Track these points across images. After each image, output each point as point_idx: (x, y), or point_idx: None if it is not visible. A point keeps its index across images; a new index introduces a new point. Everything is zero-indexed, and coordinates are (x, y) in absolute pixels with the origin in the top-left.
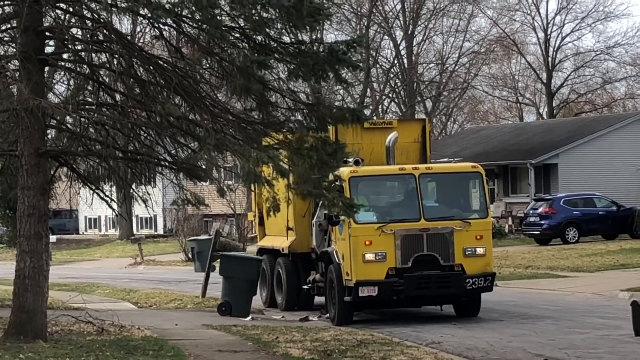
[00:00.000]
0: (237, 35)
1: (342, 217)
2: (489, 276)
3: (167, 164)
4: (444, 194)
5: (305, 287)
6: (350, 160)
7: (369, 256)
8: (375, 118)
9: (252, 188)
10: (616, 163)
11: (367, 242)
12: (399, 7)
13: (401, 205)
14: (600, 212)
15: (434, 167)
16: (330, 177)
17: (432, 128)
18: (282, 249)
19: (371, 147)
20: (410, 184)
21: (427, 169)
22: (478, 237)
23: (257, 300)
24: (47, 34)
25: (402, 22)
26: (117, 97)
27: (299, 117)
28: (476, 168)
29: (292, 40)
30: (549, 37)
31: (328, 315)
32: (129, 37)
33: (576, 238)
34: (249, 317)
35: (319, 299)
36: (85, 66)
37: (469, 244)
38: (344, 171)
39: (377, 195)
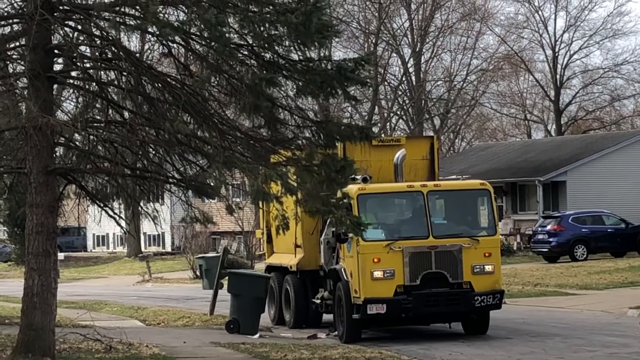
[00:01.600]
0: (246, 52)
1: (350, 235)
2: (497, 294)
3: (175, 181)
4: (453, 212)
5: (314, 304)
6: (358, 177)
7: (377, 274)
8: (383, 135)
9: (260, 206)
10: (625, 180)
11: (376, 260)
12: (407, 24)
13: (409, 222)
14: (608, 230)
15: (442, 185)
16: (339, 194)
17: (440, 145)
18: (290, 267)
19: (379, 165)
20: (418, 202)
21: (435, 186)
22: (487, 254)
23: (265, 318)
24: (55, 51)
25: (410, 39)
26: (126, 114)
27: (307, 135)
28: (484, 185)
29: (301, 57)
30: (557, 54)
31: (336, 332)
32: (137, 55)
33: (585, 255)
34: (257, 335)
35: (327, 317)
36: (94, 84)
37: (477, 261)
38: (352, 189)
39: (385, 213)
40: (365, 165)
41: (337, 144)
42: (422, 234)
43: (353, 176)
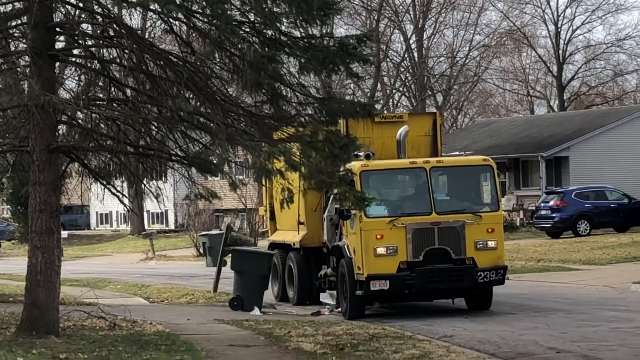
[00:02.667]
0: (248, 29)
1: (353, 212)
2: (500, 269)
3: (178, 158)
4: (455, 188)
5: (317, 281)
6: (361, 154)
7: (381, 250)
8: (385, 112)
9: (263, 183)
10: (627, 156)
11: (379, 236)
12: (409, 0)
13: (412, 199)
14: (611, 205)
15: (445, 161)
16: (342, 170)
17: (442, 121)
18: (294, 244)
19: (382, 141)
20: (421, 178)
21: (438, 163)
22: (489, 230)
23: (269, 295)
24: (57, 29)
25: (412, 15)
26: (128, 92)
27: (310, 111)
28: (487, 161)
29: (303, 34)
30: (559, 29)
31: (340, 309)
32: (139, 32)
33: (588, 231)
34: (261, 312)
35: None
36: (96, 62)
37: (480, 237)
38: (355, 165)
39: (388, 189)
40: (368, 141)
41: (339, 120)
42: (425, 210)
43: (356, 153)
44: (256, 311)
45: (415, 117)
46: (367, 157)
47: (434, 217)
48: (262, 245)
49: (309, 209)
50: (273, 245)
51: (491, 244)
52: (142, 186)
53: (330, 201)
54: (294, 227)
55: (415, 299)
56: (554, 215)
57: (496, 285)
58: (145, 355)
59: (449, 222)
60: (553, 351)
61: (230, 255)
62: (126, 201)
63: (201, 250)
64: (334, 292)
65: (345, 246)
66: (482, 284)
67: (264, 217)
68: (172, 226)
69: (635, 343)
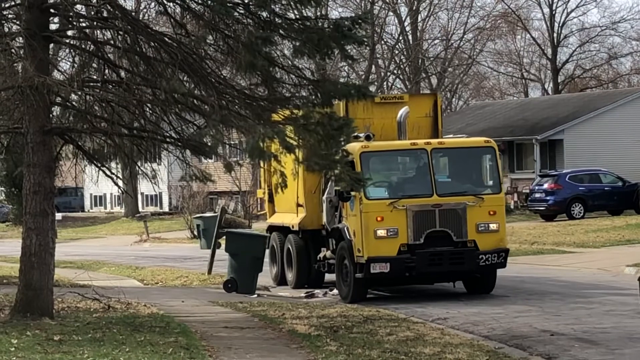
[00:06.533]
0: (242, 11)
1: (353, 193)
2: (502, 252)
3: (172, 140)
4: (457, 169)
5: (316, 264)
6: (361, 135)
7: (381, 232)
8: (380, 94)
9: (262, 165)
10: (622, 138)
11: (379, 218)
12: None
13: (413, 180)
14: (605, 188)
15: (446, 142)
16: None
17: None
18: (292, 226)
19: (382, 122)
20: (422, 159)
21: (439, 144)
22: (491, 212)
23: (264, 277)
24: (51, 10)
25: None
26: (122, 74)
27: (304, 93)
28: (489, 142)
29: (297, 16)
30: (554, 12)
31: (335, 291)
32: (133, 14)
33: (582, 214)
34: (255, 294)
35: (329, 276)
36: (90, 43)
37: (482, 219)
38: (355, 146)
39: (388, 171)
40: (368, 123)
41: (339, 102)
42: (426, 192)
43: (356, 134)
44: (250, 293)
45: (416, 98)
46: (368, 138)
47: (435, 199)
48: (257, 227)
49: (307, 191)
50: (271, 228)
51: (493, 226)
52: (137, 168)
53: (329, 183)
54: (292, 209)
55: (415, 282)
56: (548, 198)
57: (498, 268)
58: (139, 337)
59: (450, 204)
60: (547, 334)
61: (224, 237)
62: (120, 183)
63: (195, 233)
64: None
65: (345, 228)
66: (483, 267)
67: (261, 200)
68: (166, 208)
69: (629, 325)
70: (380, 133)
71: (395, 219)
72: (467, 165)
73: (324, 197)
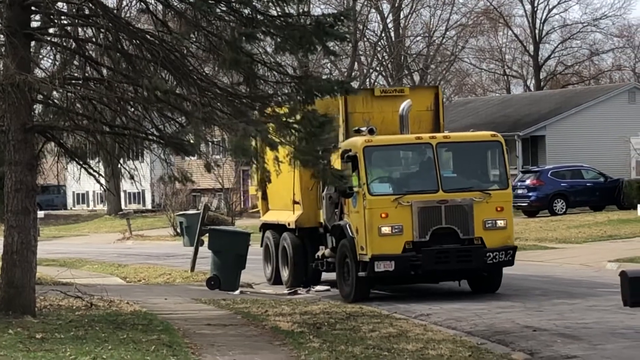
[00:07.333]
0: (224, 8)
1: (356, 189)
2: (510, 250)
3: (154, 138)
4: (463, 164)
5: (314, 263)
6: (364, 129)
7: (385, 229)
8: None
9: (254, 161)
10: (603, 134)
11: (383, 215)
12: None
13: (418, 176)
14: (587, 184)
15: (451, 136)
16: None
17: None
18: (288, 224)
19: (382, 116)
20: (427, 154)
21: (444, 138)
22: (498, 209)
23: (261, 277)
24: (33, 8)
25: None
26: (104, 71)
27: (287, 91)
28: (495, 137)
29: (279, 13)
30: (535, 8)
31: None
32: (115, 11)
33: (564, 210)
34: (238, 291)
35: (326, 276)
36: (72, 41)
37: (489, 216)
38: (358, 141)
39: (392, 166)
40: (368, 117)
41: (339, 97)
42: (431, 188)
43: (357, 128)
44: (233, 291)
45: (417, 91)
46: (371, 132)
47: (441, 195)
48: (240, 224)
49: (304, 187)
50: (265, 226)
51: (500, 223)
52: (119, 166)
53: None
54: (287, 206)
55: (421, 281)
56: (530, 194)
57: (505, 267)
58: (122, 334)
59: (457, 200)
60: (529, 329)
61: (207, 234)
62: (102, 181)
63: (178, 230)
64: None
65: (347, 225)
66: (491, 265)
67: (256, 197)
68: (149, 206)
69: (612, 321)
70: (380, 127)
71: (400, 215)
72: (473, 160)
73: (324, 194)
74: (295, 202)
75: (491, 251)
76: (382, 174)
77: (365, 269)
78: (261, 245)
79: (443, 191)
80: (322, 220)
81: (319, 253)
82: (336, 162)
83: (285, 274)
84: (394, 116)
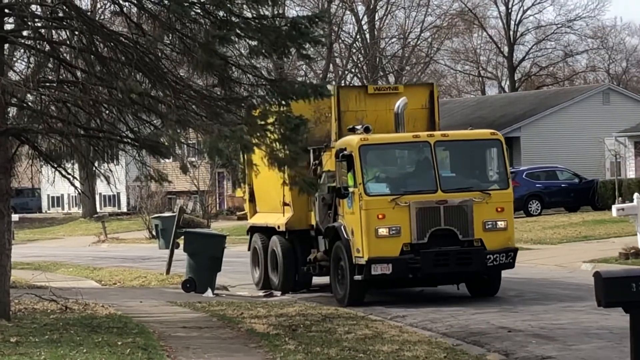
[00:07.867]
0: (199, 10)
1: (351, 189)
2: (510, 252)
3: (129, 140)
4: (462, 163)
5: (305, 266)
6: (359, 127)
7: (382, 231)
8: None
9: (241, 161)
10: (578, 135)
11: (380, 216)
12: None
13: (416, 175)
14: (562, 185)
15: (450, 135)
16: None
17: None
18: (278, 227)
19: (375, 114)
20: (425, 153)
21: (443, 137)
22: (499, 209)
23: (249, 281)
24: (6, 10)
25: None
26: (78, 74)
27: (261, 93)
28: (495, 135)
29: (254, 15)
30: (510, 10)
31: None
32: (89, 14)
33: (539, 210)
34: (213, 294)
35: (316, 280)
36: (46, 43)
37: (489, 217)
38: (353, 139)
39: (389, 165)
40: (361, 115)
41: (332, 94)
42: (429, 188)
43: (352, 126)
44: (209, 293)
45: (411, 89)
46: (367, 130)
47: (440, 195)
48: (215, 227)
49: (295, 189)
50: (253, 229)
51: (501, 224)
52: (93, 169)
53: (322, 180)
54: (277, 208)
55: (419, 284)
56: None
57: (506, 269)
58: (97, 338)
59: (456, 200)
60: (504, 330)
61: (182, 237)
62: (77, 184)
63: (154, 233)
64: None
65: (342, 227)
66: (491, 267)
67: (243, 199)
68: (124, 209)
69: (586, 321)
70: (374, 125)
71: (398, 216)
72: (473, 159)
73: (317, 195)
74: (285, 204)
75: (491, 253)
76: (378, 174)
77: (361, 272)
78: (249, 249)
79: (442, 191)
80: (313, 223)
81: (311, 256)
82: (329, 161)
83: (274, 278)
84: (387, 114)
